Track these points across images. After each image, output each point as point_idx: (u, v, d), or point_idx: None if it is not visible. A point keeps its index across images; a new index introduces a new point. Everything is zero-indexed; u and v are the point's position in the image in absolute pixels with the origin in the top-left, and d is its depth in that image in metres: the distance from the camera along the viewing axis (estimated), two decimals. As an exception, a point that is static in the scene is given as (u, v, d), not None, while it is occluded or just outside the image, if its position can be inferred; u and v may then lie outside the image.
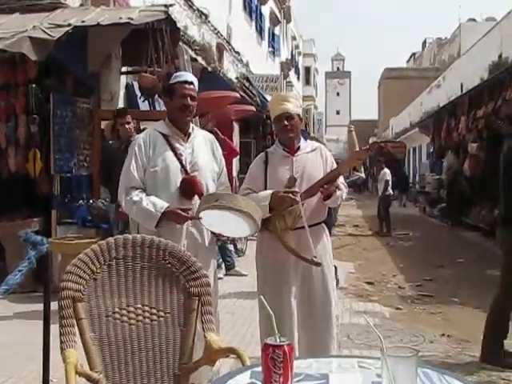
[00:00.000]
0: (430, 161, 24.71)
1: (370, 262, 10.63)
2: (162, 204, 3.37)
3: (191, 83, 3.52)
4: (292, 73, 40.50)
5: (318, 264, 3.54)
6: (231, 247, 9.32)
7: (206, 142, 3.66)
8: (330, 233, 4.02)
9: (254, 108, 13.34)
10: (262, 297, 2.56)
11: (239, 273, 8.49)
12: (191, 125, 3.63)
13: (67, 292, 2.33)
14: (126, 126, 6.68)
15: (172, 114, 3.56)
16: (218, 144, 3.75)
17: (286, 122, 3.70)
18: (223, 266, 8.52)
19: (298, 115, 3.77)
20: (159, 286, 2.51)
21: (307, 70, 56.58)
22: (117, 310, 2.44)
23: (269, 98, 22.26)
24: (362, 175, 3.95)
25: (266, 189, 3.69)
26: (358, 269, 9.81)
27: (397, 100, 42.90)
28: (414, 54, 59.03)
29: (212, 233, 3.52)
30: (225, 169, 3.77)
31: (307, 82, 56.33)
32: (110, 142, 7.20)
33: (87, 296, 2.39)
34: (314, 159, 3.78)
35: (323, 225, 3.83)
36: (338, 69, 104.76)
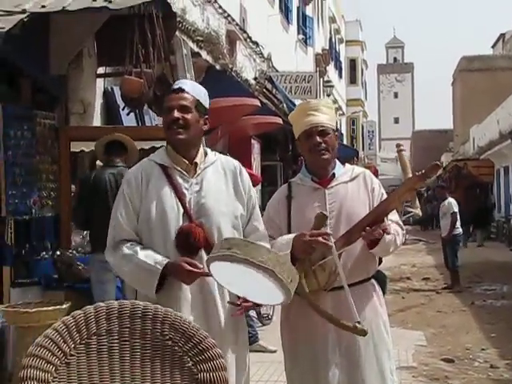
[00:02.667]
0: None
1: (447, 329, 10.52)
2: (163, 258, 3.39)
3: (179, 90, 3.57)
4: (331, 68, 40.76)
5: (363, 332, 3.49)
6: (252, 313, 9.32)
7: (226, 172, 3.65)
8: (383, 292, 3.96)
9: (279, 120, 13.43)
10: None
11: (265, 348, 8.46)
12: (201, 150, 3.64)
13: (30, 383, 2.36)
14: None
15: (166, 136, 3.63)
16: (245, 175, 3.72)
17: (318, 139, 3.72)
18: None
19: (334, 131, 3.81)
20: (157, 370, 2.54)
21: (352, 63, 56.83)
22: (99, 406, 2.47)
23: (299, 103, 22.41)
24: (417, 211, 3.91)
25: (289, 234, 3.68)
26: (432, 340, 9.70)
27: (480, 101, 42.77)
28: (503, 36, 58.97)
29: (234, 303, 3.42)
30: (257, 210, 3.73)
31: (353, 79, 56.52)
32: (97, 168, 7.29)
33: (58, 387, 2.42)
34: (355, 191, 3.79)
35: (373, 282, 3.82)
36: (395, 60, 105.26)
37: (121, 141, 7.25)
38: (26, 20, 6.98)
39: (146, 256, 3.40)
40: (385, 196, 3.82)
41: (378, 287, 3.86)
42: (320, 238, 3.45)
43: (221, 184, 3.60)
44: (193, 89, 3.60)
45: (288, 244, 3.53)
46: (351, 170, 3.90)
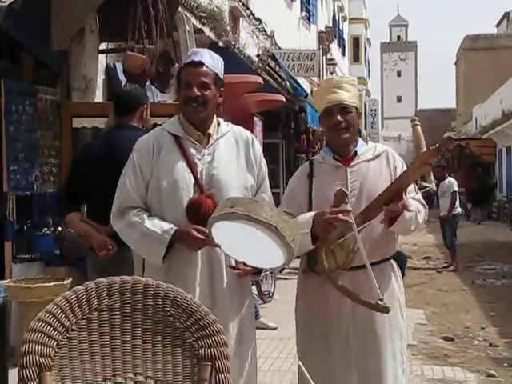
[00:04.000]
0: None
1: (448, 308, 10.56)
2: (171, 225, 3.42)
3: (199, 64, 3.54)
4: (335, 46, 40.56)
5: (386, 310, 3.42)
6: (253, 290, 9.35)
7: (238, 143, 3.66)
8: (403, 274, 3.90)
9: (282, 97, 13.40)
10: (300, 364, 2.58)
11: (266, 325, 8.50)
12: (215, 121, 3.65)
13: (31, 358, 2.37)
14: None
15: (181, 109, 3.62)
16: (257, 146, 3.74)
17: (339, 117, 3.67)
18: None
19: (356, 108, 3.76)
20: (158, 346, 2.54)
21: (356, 41, 56.62)
22: (100, 381, 2.47)
23: (302, 82, 22.40)
24: (432, 186, 3.83)
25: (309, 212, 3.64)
26: (432, 318, 9.74)
27: (483, 80, 42.64)
28: (507, 15, 58.72)
29: (233, 266, 3.48)
30: (266, 181, 3.76)
31: (356, 58, 56.35)
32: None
33: (59, 363, 2.42)
34: (377, 170, 3.75)
35: (392, 262, 3.77)
36: (398, 38, 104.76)
37: None
38: (27, -5, 6.96)
39: (153, 224, 3.42)
40: None
41: (397, 268, 3.81)
42: (340, 215, 3.41)
43: (232, 155, 3.61)
44: (212, 62, 3.59)
45: (308, 222, 3.49)
46: (374, 148, 3.85)
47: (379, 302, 3.39)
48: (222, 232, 3.23)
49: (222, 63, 3.68)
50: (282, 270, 11.57)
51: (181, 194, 3.47)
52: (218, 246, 3.29)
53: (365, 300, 3.47)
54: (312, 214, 3.54)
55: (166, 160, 3.50)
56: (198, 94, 3.50)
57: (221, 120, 3.69)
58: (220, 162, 3.55)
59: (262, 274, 8.08)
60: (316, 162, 3.83)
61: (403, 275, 3.90)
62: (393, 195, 3.51)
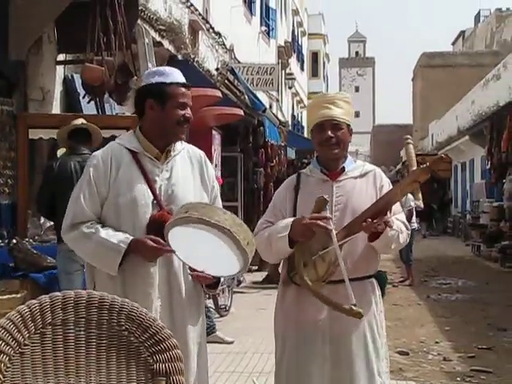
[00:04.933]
0: (485, 181, 24.85)
1: (403, 322, 10.63)
2: (127, 235, 3.40)
3: (188, 86, 3.62)
4: (294, 60, 40.80)
5: (359, 314, 3.43)
6: (210, 303, 9.32)
7: (192, 161, 3.69)
8: (382, 293, 3.89)
9: (241, 111, 13.43)
10: (254, 380, 2.57)
11: (222, 339, 8.47)
12: None
13: (-17, 372, 2.34)
14: None
15: (164, 126, 3.56)
16: (209, 165, 3.77)
17: (330, 133, 3.70)
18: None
19: (348, 125, 3.79)
20: (112, 361, 2.53)
21: (314, 56, 56.99)
22: (53, 396, 2.45)
23: (261, 96, 22.47)
24: (419, 203, 3.87)
25: None
26: (387, 333, 9.69)
27: (439, 97, 43.25)
28: (462, 33, 59.68)
29: (192, 275, 3.46)
30: (219, 199, 3.79)
31: (314, 72, 56.68)
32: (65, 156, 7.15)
33: (10, 379, 2.39)
34: (363, 187, 3.77)
35: (372, 281, 3.78)
36: (356, 54, 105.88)
37: (86, 128, 7.14)
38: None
39: (108, 234, 3.40)
40: None
41: (377, 287, 3.81)
42: (319, 221, 3.44)
43: (188, 173, 3.64)
44: None
45: (287, 226, 3.54)
46: (362, 167, 3.87)
47: (353, 307, 3.40)
48: (179, 240, 3.25)
49: None
50: (239, 283, 11.57)
51: (139, 210, 3.46)
52: (173, 251, 3.29)
53: (339, 305, 3.47)
54: (292, 218, 3.59)
55: (125, 177, 3.49)
56: (190, 116, 3.59)
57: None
58: (178, 178, 3.56)
59: (219, 287, 8.07)
60: (303, 174, 3.87)
61: (383, 295, 3.90)
62: (378, 211, 3.53)
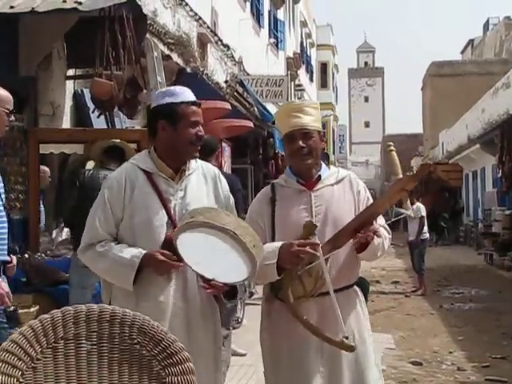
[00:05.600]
0: (497, 190, 24.77)
1: (416, 333, 10.59)
2: (140, 249, 3.42)
3: (199, 105, 3.63)
4: (302, 72, 40.90)
5: (351, 348, 3.40)
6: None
7: (206, 179, 3.69)
8: (365, 299, 3.88)
9: (250, 123, 13.46)
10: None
11: (235, 351, 8.45)
12: None
13: (-4, 387, 2.34)
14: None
15: (177, 147, 3.57)
16: (223, 181, 3.77)
17: (301, 143, 3.64)
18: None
19: (319, 132, 3.74)
20: (124, 375, 2.53)
21: (323, 66, 57.06)
22: (66, 411, 2.45)
23: (270, 107, 22.49)
24: (409, 212, 3.82)
25: (273, 239, 3.62)
26: (400, 343, 9.76)
27: (449, 106, 43.15)
28: (471, 42, 59.64)
29: (204, 285, 3.42)
30: (235, 213, 3.74)
31: (323, 83, 56.74)
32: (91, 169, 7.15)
33: (24, 392, 2.40)
34: (341, 194, 3.72)
35: (355, 288, 3.76)
36: (366, 64, 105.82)
37: (120, 147, 7.15)
38: (-6, 21, 6.96)
39: (122, 251, 3.43)
40: (370, 199, 3.77)
41: (360, 294, 3.79)
42: (308, 248, 3.40)
43: (202, 191, 3.64)
44: None
45: (274, 252, 3.46)
46: (336, 173, 3.81)
47: (344, 340, 3.36)
48: (188, 247, 3.26)
49: None
50: (252, 295, 11.54)
51: (154, 230, 3.48)
52: (181, 265, 3.31)
53: (329, 337, 3.42)
54: (279, 244, 3.50)
55: (140, 197, 3.51)
56: (203, 134, 3.61)
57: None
58: (192, 197, 3.56)
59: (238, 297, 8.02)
60: (278, 185, 3.78)
61: (366, 300, 3.88)
62: (364, 221, 3.49)
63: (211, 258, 3.26)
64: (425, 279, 15.49)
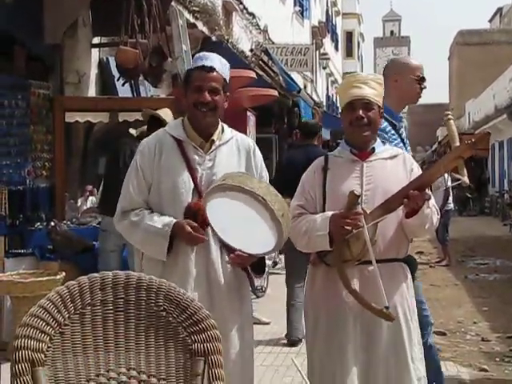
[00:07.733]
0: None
1: (440, 303, 10.58)
2: (171, 218, 3.43)
3: (211, 69, 3.53)
4: (328, 40, 40.57)
5: (390, 318, 3.38)
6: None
7: (240, 151, 3.66)
8: (413, 278, 3.81)
9: (275, 92, 13.39)
10: (293, 359, 2.56)
11: (259, 320, 8.49)
12: (219, 127, 3.64)
13: (24, 353, 2.36)
14: None
15: (187, 112, 3.60)
16: (258, 154, 3.74)
17: (361, 113, 3.59)
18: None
19: (379, 107, 3.67)
20: (151, 341, 2.54)
21: (349, 35, 56.57)
22: (93, 376, 2.47)
23: (295, 76, 22.38)
24: (465, 179, 3.72)
25: (324, 207, 3.61)
26: (425, 314, 9.77)
27: (476, 76, 42.75)
28: (500, 10, 58.88)
29: (230, 259, 3.43)
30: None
31: (349, 52, 56.31)
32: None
33: (51, 358, 2.42)
34: (393, 169, 3.68)
35: (403, 264, 3.69)
36: (391, 33, 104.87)
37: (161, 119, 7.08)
38: (19, -12, 6.95)
39: (154, 220, 3.44)
40: None
41: (407, 271, 3.72)
42: (348, 220, 3.39)
43: (233, 162, 3.60)
44: (221, 68, 3.58)
45: (325, 224, 3.47)
46: (391, 149, 3.79)
47: (385, 309, 3.35)
48: (216, 213, 3.25)
49: (229, 68, 3.67)
50: (275, 264, 11.56)
51: (179, 197, 3.48)
52: (207, 239, 3.34)
53: (371, 305, 3.41)
54: (329, 214, 3.51)
55: (167, 163, 3.51)
56: (209, 99, 3.49)
57: (225, 126, 3.68)
58: (220, 168, 3.52)
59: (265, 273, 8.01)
60: (331, 156, 3.77)
61: (413, 279, 3.82)
62: (419, 187, 3.46)
63: (239, 226, 3.25)
64: (449, 250, 15.42)
